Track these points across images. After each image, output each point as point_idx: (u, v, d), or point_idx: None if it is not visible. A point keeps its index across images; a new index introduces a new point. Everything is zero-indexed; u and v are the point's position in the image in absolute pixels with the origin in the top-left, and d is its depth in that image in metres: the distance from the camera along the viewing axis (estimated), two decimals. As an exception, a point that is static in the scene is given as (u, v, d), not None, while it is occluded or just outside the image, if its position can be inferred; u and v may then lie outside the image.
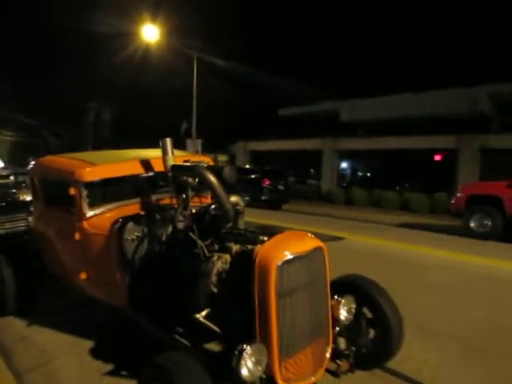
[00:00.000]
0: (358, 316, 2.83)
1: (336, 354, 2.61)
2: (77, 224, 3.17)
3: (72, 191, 3.14)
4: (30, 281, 3.99)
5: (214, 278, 2.46)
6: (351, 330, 2.81)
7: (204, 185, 2.62)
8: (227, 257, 2.53)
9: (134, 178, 3.36)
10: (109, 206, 3.24)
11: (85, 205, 3.14)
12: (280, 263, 2.18)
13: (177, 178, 2.87)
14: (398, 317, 2.79)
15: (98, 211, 3.18)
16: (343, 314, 2.60)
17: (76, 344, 3.40)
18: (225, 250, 2.59)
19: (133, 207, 3.27)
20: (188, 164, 2.82)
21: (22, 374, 2.97)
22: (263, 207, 15.11)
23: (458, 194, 10.47)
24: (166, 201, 3.31)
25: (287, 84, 25.00)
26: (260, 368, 2.06)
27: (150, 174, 3.40)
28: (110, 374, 2.95)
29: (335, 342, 2.64)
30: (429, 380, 2.88)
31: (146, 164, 3.40)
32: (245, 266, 2.30)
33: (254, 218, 9.11)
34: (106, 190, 3.32)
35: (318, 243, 2.43)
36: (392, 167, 21.44)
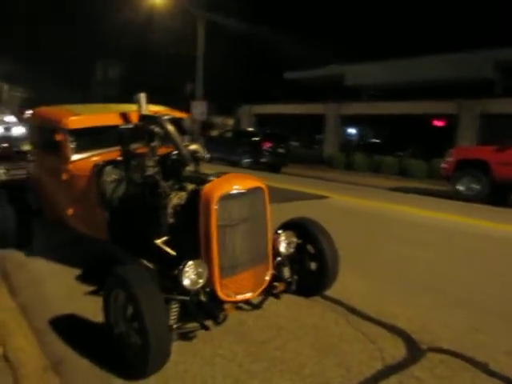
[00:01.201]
0: (301, 250, 3.30)
1: (279, 281, 3.07)
2: (63, 166, 3.63)
3: (59, 137, 3.58)
4: (29, 218, 4.50)
5: (170, 211, 2.91)
6: (295, 262, 3.29)
7: (165, 133, 3.03)
8: (183, 194, 2.98)
9: (114, 128, 3.77)
10: (91, 152, 3.69)
11: (70, 149, 3.60)
12: (220, 197, 2.61)
13: (146, 128, 3.27)
14: (333, 253, 3.24)
15: (81, 156, 3.64)
16: (283, 246, 3.05)
17: (65, 272, 3.93)
18: (183, 189, 3.03)
19: (112, 154, 3.70)
20: (152, 114, 3.21)
21: (17, 291, 3.52)
22: (262, 169, 15.49)
23: (449, 159, 10.73)
24: (142, 149, 3.73)
25: (294, 47, 24.67)
26: (201, 280, 2.52)
27: (129, 125, 3.80)
28: (90, 293, 3.47)
29: (278, 269, 3.11)
30: (357, 304, 3.38)
31: (125, 116, 3.80)
32: (194, 200, 2.74)
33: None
34: (90, 138, 3.76)
35: (258, 184, 2.85)
36: (396, 133, 21.47)
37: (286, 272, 3.17)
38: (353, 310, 3.26)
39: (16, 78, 34.37)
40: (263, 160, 16.08)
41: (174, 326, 2.53)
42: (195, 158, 3.20)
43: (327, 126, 20.85)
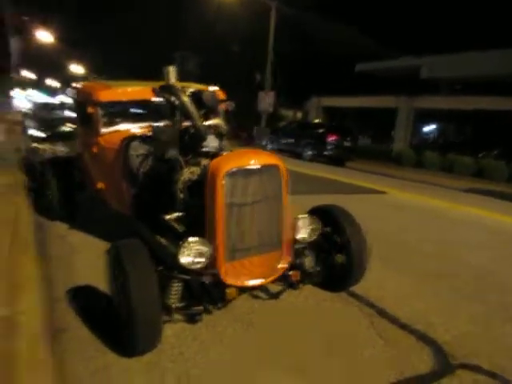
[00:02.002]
0: (329, 240, 2.99)
1: (296, 270, 2.79)
2: (94, 139, 3.66)
3: (90, 110, 3.60)
4: (72, 192, 4.65)
5: (181, 186, 2.76)
6: (321, 252, 2.98)
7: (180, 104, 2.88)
8: (197, 169, 2.81)
9: (144, 103, 3.73)
10: (121, 126, 3.67)
11: (100, 122, 3.60)
12: (228, 172, 2.39)
13: (167, 100, 3.14)
14: (361, 245, 2.90)
15: (111, 129, 3.63)
16: (303, 232, 2.75)
17: (100, 245, 3.96)
18: (197, 164, 2.87)
19: (142, 129, 3.66)
20: (169, 84, 3.05)
21: (50, 260, 3.62)
22: (325, 163, 14.99)
23: (534, 160, 9.54)
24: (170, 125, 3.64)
25: (366, 37, 23.57)
26: (201, 260, 2.33)
27: (162, 100, 3.72)
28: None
29: (298, 258, 2.82)
30: (388, 305, 2.99)
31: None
32: (203, 175, 2.56)
33: (304, 169, 9.17)
34: (120, 112, 3.75)
35: (274, 161, 2.57)
36: (479, 131, 19.67)
37: (308, 262, 2.89)
38: (381, 312, 2.90)
39: (99, 68, 36.90)
40: (326, 153, 15.54)
41: (173, 306, 2.40)
42: (218, 132, 3.02)
43: (398, 120, 19.67)
